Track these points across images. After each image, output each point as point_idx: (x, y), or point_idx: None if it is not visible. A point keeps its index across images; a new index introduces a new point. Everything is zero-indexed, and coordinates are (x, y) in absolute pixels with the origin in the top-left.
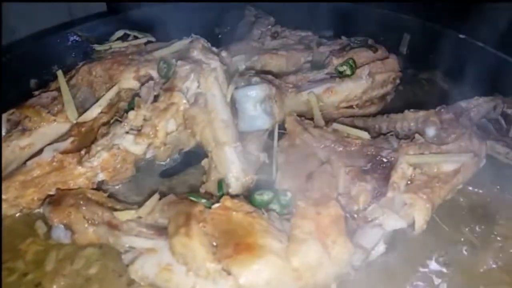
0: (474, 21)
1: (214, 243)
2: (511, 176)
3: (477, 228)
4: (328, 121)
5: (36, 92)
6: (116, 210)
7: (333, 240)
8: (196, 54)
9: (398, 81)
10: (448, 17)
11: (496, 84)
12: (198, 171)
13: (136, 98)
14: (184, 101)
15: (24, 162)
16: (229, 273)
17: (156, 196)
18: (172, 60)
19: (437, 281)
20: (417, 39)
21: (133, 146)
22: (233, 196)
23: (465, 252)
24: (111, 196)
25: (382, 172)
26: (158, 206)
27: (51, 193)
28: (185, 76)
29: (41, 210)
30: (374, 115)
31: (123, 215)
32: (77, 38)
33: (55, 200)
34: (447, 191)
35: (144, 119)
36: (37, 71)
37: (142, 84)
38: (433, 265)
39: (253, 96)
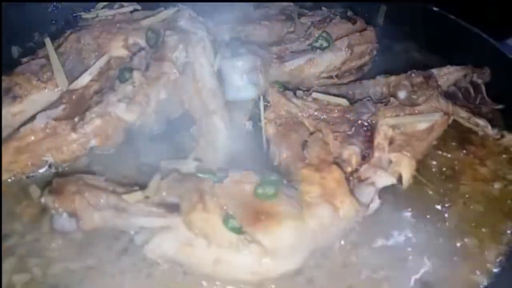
0: None
1: (230, 212)
2: (472, 140)
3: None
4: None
5: (25, 59)
6: (119, 192)
7: (341, 200)
8: (183, 23)
9: (375, 52)
10: None
11: (468, 57)
12: (186, 139)
13: (134, 72)
14: (175, 70)
15: (17, 129)
16: (251, 241)
17: (158, 175)
18: (160, 30)
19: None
20: (394, 10)
21: (126, 113)
22: None
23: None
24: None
25: (365, 134)
26: (164, 185)
27: (46, 158)
28: (174, 46)
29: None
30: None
31: (131, 197)
32: (57, 5)
33: (55, 189)
34: (424, 147)
35: (136, 86)
36: (18, 38)
37: (133, 53)
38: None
39: (240, 66)
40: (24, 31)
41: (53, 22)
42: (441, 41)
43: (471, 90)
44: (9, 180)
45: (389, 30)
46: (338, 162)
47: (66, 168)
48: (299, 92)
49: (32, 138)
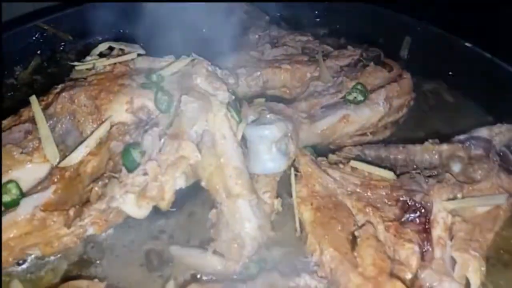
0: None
1: None
2: None
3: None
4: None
5: (5, 122)
6: None
7: None
8: (200, 82)
9: (412, 103)
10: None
11: (506, 101)
12: (196, 209)
13: (148, 162)
14: (196, 153)
15: None
16: None
17: (172, 285)
18: (173, 90)
19: None
20: (419, 43)
21: (134, 209)
22: None
23: None
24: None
25: (420, 221)
26: None
27: (31, 252)
28: (193, 117)
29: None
30: (386, 141)
31: None
32: (42, 33)
33: None
34: (490, 240)
35: (148, 177)
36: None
37: (139, 120)
38: None
39: (269, 136)
40: (4, 64)
41: (38, 53)
42: (474, 81)
43: None
44: None
45: (415, 66)
46: (393, 265)
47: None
48: (331, 157)
49: (15, 231)
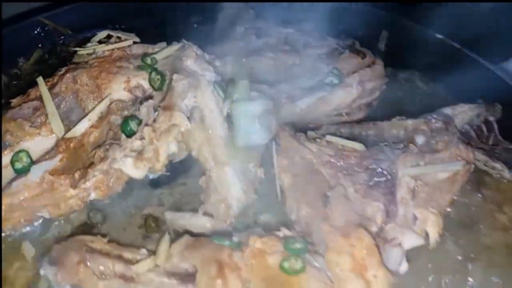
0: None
1: None
2: (488, 184)
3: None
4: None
5: (15, 101)
6: (125, 258)
7: (374, 274)
8: (190, 64)
9: (384, 87)
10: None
11: (472, 86)
12: (189, 181)
13: (144, 127)
14: (186, 122)
15: (10, 182)
16: None
17: (167, 238)
18: (165, 71)
19: None
20: (395, 36)
21: (133, 170)
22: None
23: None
24: (111, 239)
25: (386, 186)
26: (176, 250)
27: (40, 214)
28: (183, 92)
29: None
30: (359, 121)
31: (140, 267)
32: (43, 27)
33: (56, 260)
34: (448, 200)
35: (145, 141)
36: (2, 64)
37: (135, 97)
38: None
39: (252, 111)
40: (8, 56)
41: (39, 46)
42: (445, 69)
43: (484, 129)
44: None
45: (391, 57)
46: (361, 220)
47: (63, 221)
48: (310, 133)
49: (26, 194)
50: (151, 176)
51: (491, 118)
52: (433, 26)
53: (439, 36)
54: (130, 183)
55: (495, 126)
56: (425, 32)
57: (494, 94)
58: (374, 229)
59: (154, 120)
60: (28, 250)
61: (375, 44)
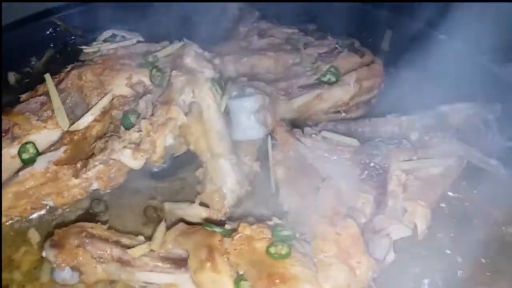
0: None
1: (241, 273)
2: (485, 180)
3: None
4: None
5: (24, 96)
6: (123, 244)
7: (357, 260)
8: (189, 61)
9: (382, 85)
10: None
11: (475, 86)
12: (188, 175)
13: (142, 120)
14: (182, 116)
15: (17, 172)
16: None
17: (163, 225)
18: (166, 68)
19: None
20: (399, 36)
21: (131, 161)
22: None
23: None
24: (111, 227)
25: (378, 179)
26: (170, 237)
27: (45, 202)
28: (181, 87)
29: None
30: (356, 118)
31: (136, 251)
32: (55, 28)
33: (57, 243)
34: (439, 195)
35: (142, 134)
36: (14, 63)
37: (137, 92)
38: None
39: (248, 107)
40: (20, 55)
41: (51, 45)
42: (448, 69)
43: (482, 127)
44: (6, 223)
45: (394, 57)
46: (351, 212)
47: (67, 210)
48: (307, 129)
49: (32, 183)
50: (153, 169)
51: (490, 117)
52: (436, 26)
53: (442, 36)
54: (132, 175)
55: (494, 124)
56: (427, 32)
57: (494, 93)
58: (362, 220)
59: (152, 114)
60: (34, 236)
61: (378, 44)
